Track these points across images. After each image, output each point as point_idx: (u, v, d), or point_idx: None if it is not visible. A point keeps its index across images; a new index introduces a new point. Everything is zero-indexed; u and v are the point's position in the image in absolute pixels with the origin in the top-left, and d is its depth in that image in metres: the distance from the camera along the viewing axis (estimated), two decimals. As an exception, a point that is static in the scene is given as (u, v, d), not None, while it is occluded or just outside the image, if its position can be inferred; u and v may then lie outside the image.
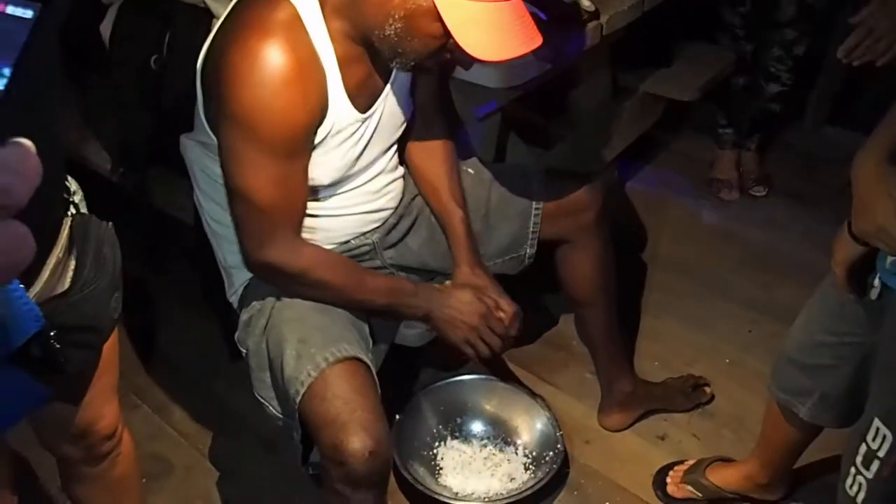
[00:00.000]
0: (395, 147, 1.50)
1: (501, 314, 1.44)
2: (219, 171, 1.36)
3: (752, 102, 2.54)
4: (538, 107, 2.12)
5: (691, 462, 1.77)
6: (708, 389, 1.96)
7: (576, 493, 1.77)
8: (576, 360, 2.05)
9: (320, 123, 1.29)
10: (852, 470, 1.20)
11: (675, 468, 1.78)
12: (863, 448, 1.17)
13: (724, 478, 1.71)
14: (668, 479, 1.76)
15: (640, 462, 1.82)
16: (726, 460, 1.76)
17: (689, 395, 1.94)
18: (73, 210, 1.01)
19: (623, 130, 2.33)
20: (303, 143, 1.27)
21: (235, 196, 1.28)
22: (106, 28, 1.91)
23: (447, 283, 1.52)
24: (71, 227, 0.99)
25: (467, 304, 1.41)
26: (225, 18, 1.27)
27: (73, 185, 1.05)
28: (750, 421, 1.81)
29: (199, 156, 1.41)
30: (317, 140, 1.30)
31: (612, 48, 2.12)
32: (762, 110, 2.54)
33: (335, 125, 1.31)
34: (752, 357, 2.02)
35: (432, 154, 1.54)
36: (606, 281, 1.73)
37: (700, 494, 1.72)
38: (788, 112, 2.63)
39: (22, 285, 0.88)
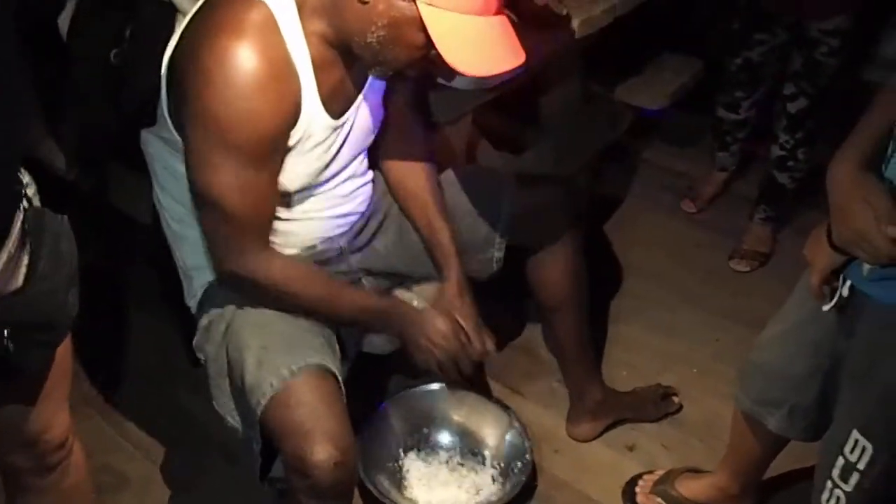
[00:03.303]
0: (364, 152, 1.47)
1: (472, 352, 1.43)
2: (180, 168, 1.31)
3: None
4: (508, 112, 2.10)
5: (660, 472, 1.75)
6: (676, 399, 1.95)
7: (544, 504, 1.75)
8: (544, 369, 2.02)
9: (292, 128, 1.25)
10: (829, 484, 1.18)
11: (645, 478, 1.76)
12: (840, 461, 1.16)
13: (693, 489, 1.69)
14: (638, 490, 1.74)
15: (609, 472, 1.80)
16: (696, 471, 1.74)
17: (658, 404, 1.93)
18: (25, 204, 0.97)
19: (592, 138, 2.32)
20: (273, 150, 1.24)
21: (203, 202, 1.24)
22: (64, 21, 1.85)
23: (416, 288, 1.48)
24: (24, 220, 0.95)
25: (441, 338, 1.39)
26: (195, 15, 1.23)
27: (25, 177, 1.00)
28: (719, 430, 1.80)
29: (161, 151, 1.36)
30: (289, 145, 1.26)
31: (583, 54, 2.10)
32: (770, 177, 2.34)
33: (307, 130, 1.27)
34: (721, 365, 2.01)
35: (414, 169, 1.51)
36: (576, 287, 1.71)
37: (669, 506, 1.70)
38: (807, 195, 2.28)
39: None
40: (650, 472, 1.77)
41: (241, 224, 1.23)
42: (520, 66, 1.21)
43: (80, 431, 1.32)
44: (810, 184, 2.26)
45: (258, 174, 1.22)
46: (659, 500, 1.71)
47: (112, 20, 1.75)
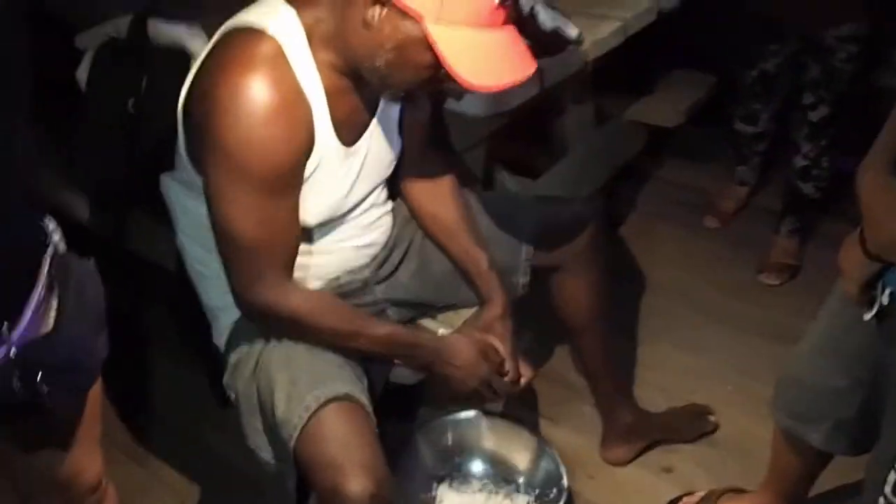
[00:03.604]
0: (384, 182, 1.47)
1: (505, 379, 1.41)
2: (201, 210, 1.32)
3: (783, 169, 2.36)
4: (523, 137, 2.10)
5: (700, 494, 1.71)
6: (712, 418, 1.91)
7: (581, 530, 1.71)
8: (574, 394, 1.99)
9: (308, 158, 1.25)
10: (881, 501, 1.14)
11: (684, 501, 1.72)
12: (892, 476, 1.11)
13: (736, 510, 1.65)
14: (678, 513, 1.70)
15: (646, 496, 1.77)
16: (737, 491, 1.70)
17: (693, 424, 1.90)
18: (52, 249, 0.98)
19: (608, 159, 2.31)
20: (291, 180, 1.24)
21: (222, 235, 1.24)
22: (82, 74, 1.88)
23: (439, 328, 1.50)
24: (51, 265, 0.96)
25: (469, 366, 1.37)
26: (207, 55, 1.24)
27: (51, 223, 1.02)
28: (757, 448, 1.75)
29: (181, 195, 1.37)
30: (305, 176, 1.26)
31: (594, 75, 2.11)
32: (794, 188, 2.33)
33: (322, 160, 1.27)
34: (755, 381, 1.97)
35: (441, 197, 1.50)
36: (602, 307, 1.69)
37: (712, 529, 1.66)
38: (833, 204, 2.30)
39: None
40: (689, 493, 1.73)
41: (259, 255, 1.23)
42: (530, 77, 1.20)
43: (112, 475, 1.32)
44: (834, 192, 2.24)
45: (277, 205, 1.22)
46: (701, 523, 1.67)
47: (128, 70, 1.78)
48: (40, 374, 0.91)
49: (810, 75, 2.12)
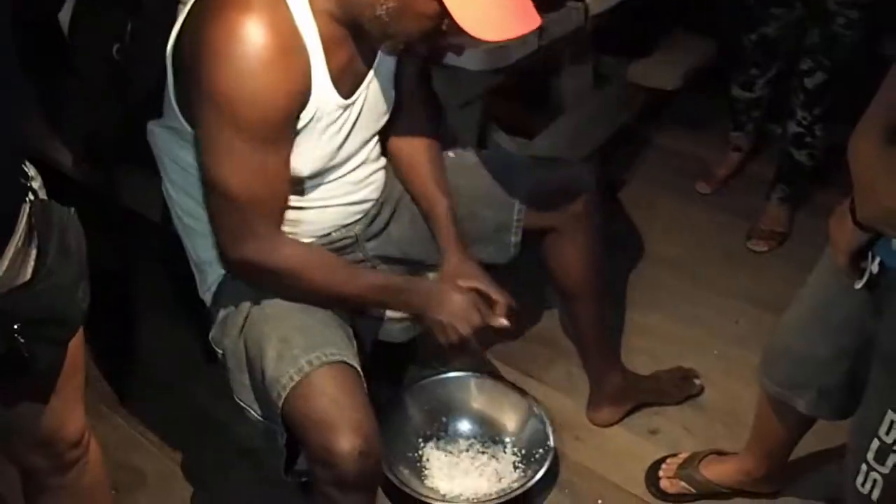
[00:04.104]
0: (377, 136, 1.44)
1: (496, 321, 1.38)
2: (190, 159, 1.29)
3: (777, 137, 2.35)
4: (520, 96, 2.07)
5: (684, 456, 1.73)
6: (698, 381, 1.92)
7: (567, 491, 1.72)
8: (562, 356, 1.99)
9: (303, 108, 1.22)
10: (863, 467, 1.15)
11: (668, 462, 1.73)
12: (875, 444, 1.13)
13: (718, 472, 1.66)
14: (661, 474, 1.72)
15: (632, 457, 1.77)
16: (720, 453, 1.71)
17: (679, 387, 1.90)
18: (31, 196, 0.96)
19: (605, 121, 2.29)
20: (284, 129, 1.21)
21: (211, 186, 1.21)
22: (65, 16, 1.82)
23: (432, 276, 1.47)
24: (30, 213, 0.94)
25: (462, 311, 1.35)
26: None
27: (31, 170, 0.99)
28: (742, 413, 1.77)
29: (169, 143, 1.33)
30: (299, 126, 1.23)
31: (594, 35, 2.07)
32: (787, 155, 2.30)
33: (318, 111, 1.24)
34: (742, 348, 1.98)
35: (414, 140, 1.48)
36: (596, 271, 1.67)
37: (694, 490, 1.68)
38: (824, 174, 2.28)
39: None
40: (673, 455, 1.74)
41: (249, 207, 1.20)
42: (535, 30, 1.20)
43: (98, 430, 1.31)
44: (827, 161, 2.23)
45: (269, 156, 1.19)
46: (683, 483, 1.68)
47: (113, 14, 1.72)
48: (17, 325, 0.88)
49: (810, 40, 2.10)
